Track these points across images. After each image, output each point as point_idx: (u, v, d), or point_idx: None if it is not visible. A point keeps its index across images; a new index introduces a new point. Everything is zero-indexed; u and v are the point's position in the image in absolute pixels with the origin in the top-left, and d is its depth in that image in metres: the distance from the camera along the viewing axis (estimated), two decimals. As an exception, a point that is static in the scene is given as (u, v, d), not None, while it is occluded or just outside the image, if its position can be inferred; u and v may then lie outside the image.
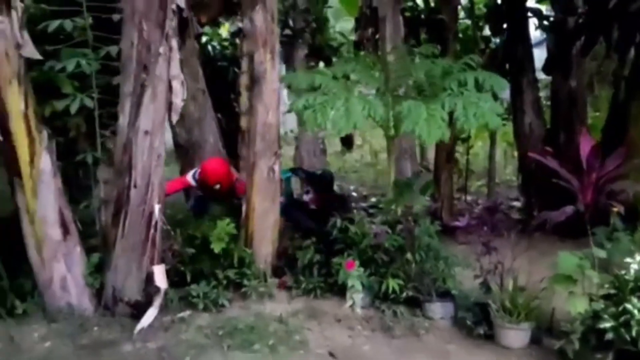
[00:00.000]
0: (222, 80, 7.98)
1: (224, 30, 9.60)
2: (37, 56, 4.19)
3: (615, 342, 3.62)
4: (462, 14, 8.67)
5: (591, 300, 3.88)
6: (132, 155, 4.22)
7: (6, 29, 3.99)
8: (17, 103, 4.09)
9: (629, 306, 3.61)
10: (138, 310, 4.32)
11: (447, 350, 4.20)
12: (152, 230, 4.33)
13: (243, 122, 6.55)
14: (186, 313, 4.50)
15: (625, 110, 6.63)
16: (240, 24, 7.64)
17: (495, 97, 4.70)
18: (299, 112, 4.42)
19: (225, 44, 8.98)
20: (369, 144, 12.70)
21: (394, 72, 5.05)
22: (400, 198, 4.86)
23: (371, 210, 7.50)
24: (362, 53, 7.52)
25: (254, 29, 4.94)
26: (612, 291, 3.86)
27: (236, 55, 7.83)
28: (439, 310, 4.61)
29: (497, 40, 8.24)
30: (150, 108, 4.17)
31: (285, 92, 7.80)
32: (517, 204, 8.41)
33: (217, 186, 5.34)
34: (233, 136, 6.81)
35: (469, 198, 9.15)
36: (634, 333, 3.53)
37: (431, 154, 9.07)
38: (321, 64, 8.06)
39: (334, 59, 7.94)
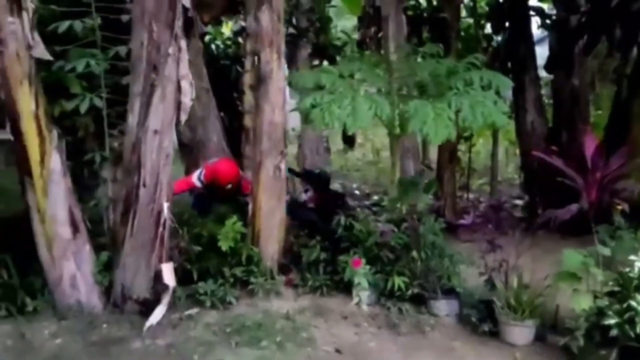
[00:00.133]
0: (225, 79, 8.02)
1: (227, 29, 9.64)
2: (48, 57, 4.23)
3: (619, 338, 3.67)
4: (464, 13, 8.71)
5: (595, 297, 3.93)
6: (141, 155, 4.26)
7: (17, 30, 4.02)
8: (28, 103, 4.12)
9: (633, 303, 3.66)
10: (146, 307, 4.35)
11: (452, 346, 4.25)
12: (160, 229, 4.36)
13: (247, 121, 6.62)
14: (194, 310, 4.53)
15: (628, 108, 6.68)
16: (243, 23, 7.69)
17: (498, 95, 4.73)
18: (307, 111, 4.44)
19: (228, 42, 9.02)
20: (371, 142, 12.75)
21: (398, 72, 5.09)
22: (405, 197, 4.89)
23: (374, 209, 7.55)
24: (367, 52, 7.54)
25: (260, 29, 4.97)
26: (617, 288, 3.91)
27: (239, 54, 7.89)
28: (444, 307, 4.66)
29: (499, 38, 8.28)
30: (160, 108, 4.21)
31: (287, 90, 7.84)
32: (519, 202, 8.45)
33: (229, 186, 5.40)
34: (236, 135, 6.87)
35: (471, 196, 9.19)
36: (638, 330, 3.58)
37: (433, 153, 9.11)
38: (324, 63, 8.09)
39: (338, 58, 7.96)
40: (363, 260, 4.73)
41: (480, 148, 10.44)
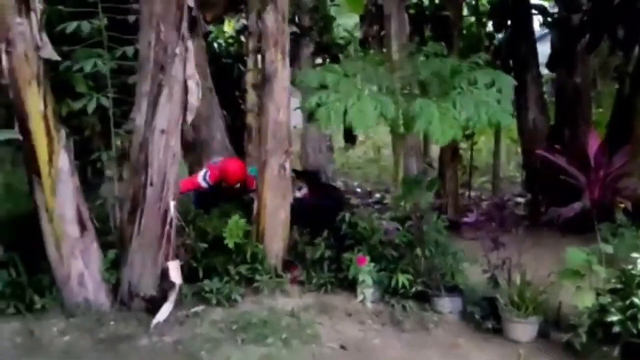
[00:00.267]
0: (227, 78, 8.05)
1: (229, 28, 9.67)
2: (56, 57, 4.24)
3: (622, 335, 3.72)
4: (466, 11, 8.73)
5: (598, 294, 3.96)
6: (148, 154, 4.29)
7: (26, 31, 4.04)
8: (36, 103, 4.14)
9: (635, 300, 3.70)
10: (153, 305, 4.39)
11: (456, 343, 4.28)
12: (167, 227, 4.40)
13: (249, 119, 6.66)
14: (200, 308, 4.57)
15: (630, 106, 6.70)
16: (245, 22, 7.72)
17: (501, 93, 4.75)
18: (312, 109, 4.46)
19: (230, 41, 9.05)
20: (372, 140, 12.77)
21: (402, 70, 5.11)
22: (409, 195, 4.92)
23: (376, 206, 7.59)
24: (370, 51, 7.56)
25: (265, 29, 5.01)
26: (619, 285, 3.95)
27: (241, 53, 7.91)
28: (447, 304, 4.70)
29: (501, 36, 8.30)
30: (167, 108, 4.24)
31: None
32: (521, 200, 8.49)
33: (238, 185, 5.45)
34: (238, 133, 6.91)
35: (472, 194, 9.22)
36: (640, 326, 3.63)
37: (434, 151, 9.14)
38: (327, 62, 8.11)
39: (341, 57, 7.98)
40: (368, 258, 4.77)
41: (482, 146, 10.47)
